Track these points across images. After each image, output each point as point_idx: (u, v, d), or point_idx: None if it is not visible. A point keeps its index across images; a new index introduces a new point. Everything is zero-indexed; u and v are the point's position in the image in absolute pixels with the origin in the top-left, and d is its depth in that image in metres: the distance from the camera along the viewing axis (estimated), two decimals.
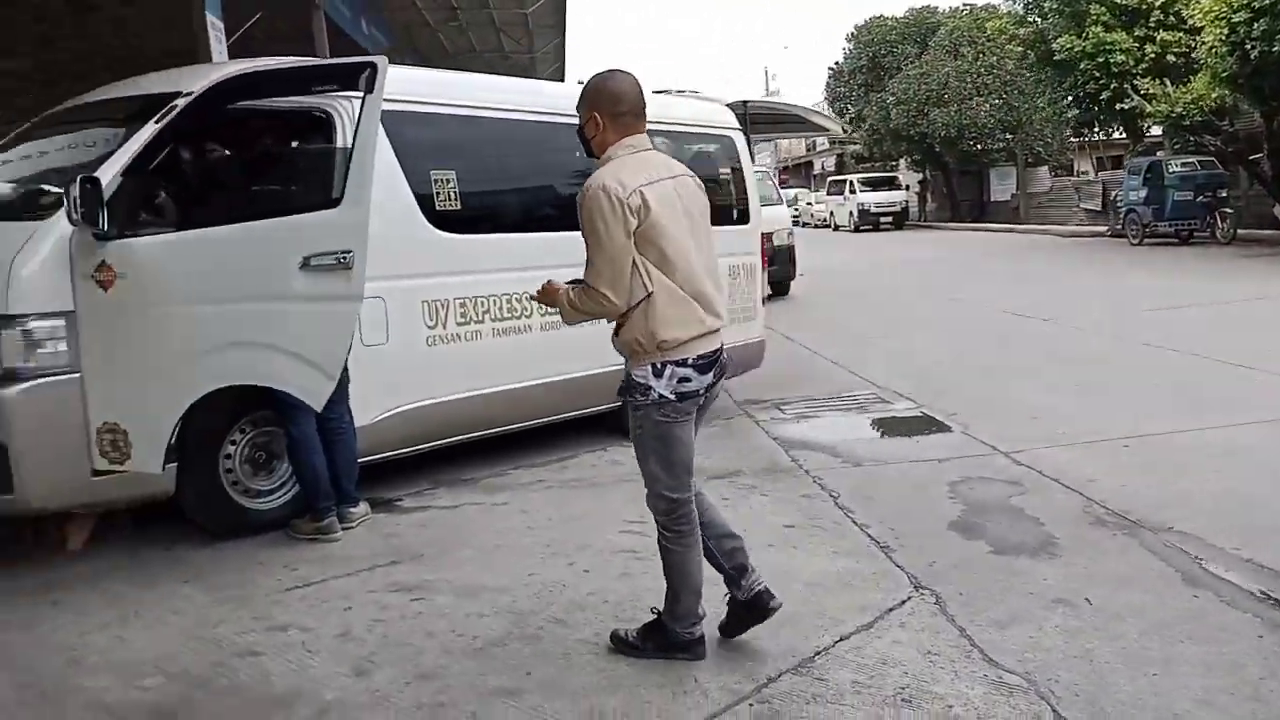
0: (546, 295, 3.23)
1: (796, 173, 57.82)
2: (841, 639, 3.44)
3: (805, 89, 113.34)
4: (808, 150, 54.79)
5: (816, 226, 38.61)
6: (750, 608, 3.38)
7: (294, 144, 5.06)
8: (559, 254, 4.52)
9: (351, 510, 4.81)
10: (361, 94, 4.31)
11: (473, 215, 5.48)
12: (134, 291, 4.05)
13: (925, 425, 6.67)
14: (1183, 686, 3.05)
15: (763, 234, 13.72)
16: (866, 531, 4.54)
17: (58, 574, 4.26)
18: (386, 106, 4.95)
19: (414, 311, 5.21)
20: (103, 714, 3.09)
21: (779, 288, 15.22)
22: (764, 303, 7.39)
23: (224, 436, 4.62)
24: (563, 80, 21.83)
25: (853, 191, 34.52)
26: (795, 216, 41.04)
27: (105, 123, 4.70)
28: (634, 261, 3.03)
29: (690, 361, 3.12)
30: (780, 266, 14.98)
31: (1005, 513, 4.75)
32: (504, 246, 5.63)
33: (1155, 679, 3.10)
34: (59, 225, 3.99)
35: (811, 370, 8.84)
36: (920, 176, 37.39)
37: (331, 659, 3.40)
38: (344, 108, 4.79)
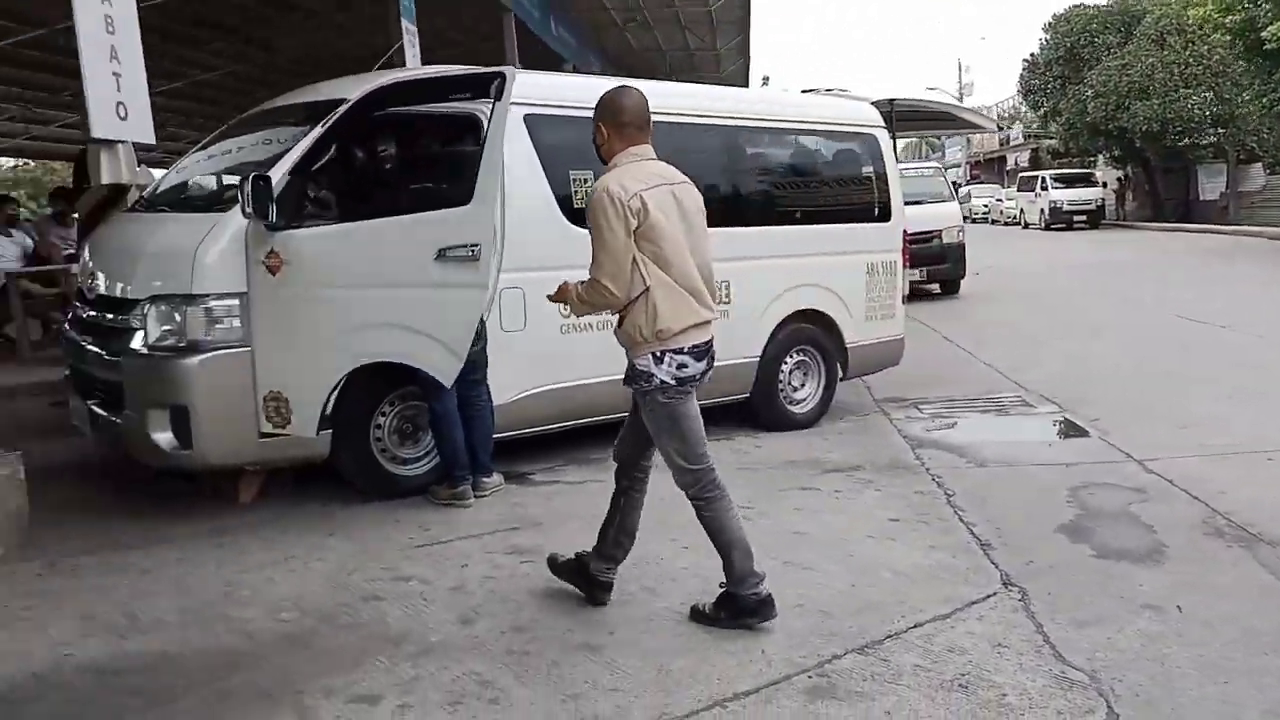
0: (560, 293, 3.58)
1: (989, 167, 55.70)
2: (915, 626, 3.56)
3: (1000, 80, 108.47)
4: (1001, 145, 52.65)
5: (1006, 224, 37.15)
6: (585, 577, 3.77)
7: (441, 145, 5.49)
8: None
9: (486, 480, 5.23)
10: (492, 101, 4.70)
11: None
12: (297, 276, 4.59)
13: (1063, 430, 6.56)
14: (1254, 696, 3.03)
15: (931, 231, 13.72)
16: (971, 529, 4.59)
17: (226, 522, 4.85)
18: (530, 111, 5.37)
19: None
20: (244, 638, 3.58)
21: (948, 286, 14.87)
22: (905, 301, 7.34)
23: (375, 409, 5.11)
24: (746, 79, 22.01)
25: (1044, 188, 32.89)
26: (985, 213, 39.79)
27: (284, 124, 5.25)
28: (634, 259, 3.32)
29: (686, 349, 3.41)
30: (950, 265, 14.63)
31: (1120, 519, 4.69)
32: None
33: (1226, 687, 3.09)
34: (236, 217, 4.53)
35: (961, 372, 8.71)
36: (1120, 173, 35.35)
37: (442, 607, 3.80)
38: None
